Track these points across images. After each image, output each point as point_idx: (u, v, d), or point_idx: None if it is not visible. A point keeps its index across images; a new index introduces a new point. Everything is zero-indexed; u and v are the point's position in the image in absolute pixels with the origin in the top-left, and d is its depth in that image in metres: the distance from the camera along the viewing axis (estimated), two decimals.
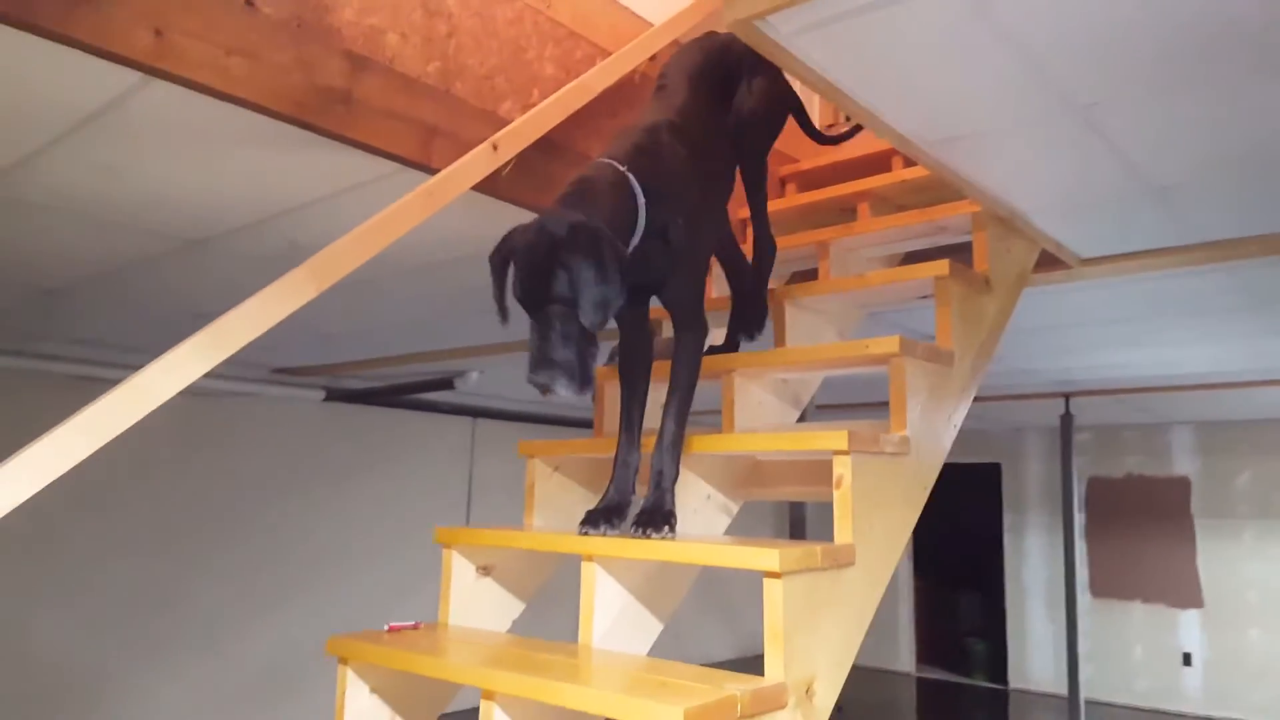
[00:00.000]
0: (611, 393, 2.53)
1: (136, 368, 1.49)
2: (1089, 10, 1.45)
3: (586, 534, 1.92)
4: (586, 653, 1.84)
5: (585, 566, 1.90)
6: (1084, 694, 6.06)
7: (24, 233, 2.58)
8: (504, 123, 2.17)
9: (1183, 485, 7.40)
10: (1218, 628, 7.12)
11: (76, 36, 1.51)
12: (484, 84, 2.19)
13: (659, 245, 1.86)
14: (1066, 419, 6.04)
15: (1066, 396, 5.90)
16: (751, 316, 2.45)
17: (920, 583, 8.72)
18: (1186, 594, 7.27)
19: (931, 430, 2.19)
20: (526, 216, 1.92)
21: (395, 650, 1.89)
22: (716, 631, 8.23)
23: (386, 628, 2.10)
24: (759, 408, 2.40)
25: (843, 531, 1.86)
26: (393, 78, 1.99)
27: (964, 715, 7.73)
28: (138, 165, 2.08)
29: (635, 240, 1.80)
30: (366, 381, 5.69)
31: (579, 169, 1.87)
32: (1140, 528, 7.50)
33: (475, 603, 2.21)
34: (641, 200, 1.81)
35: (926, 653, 8.67)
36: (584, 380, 1.67)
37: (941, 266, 2.28)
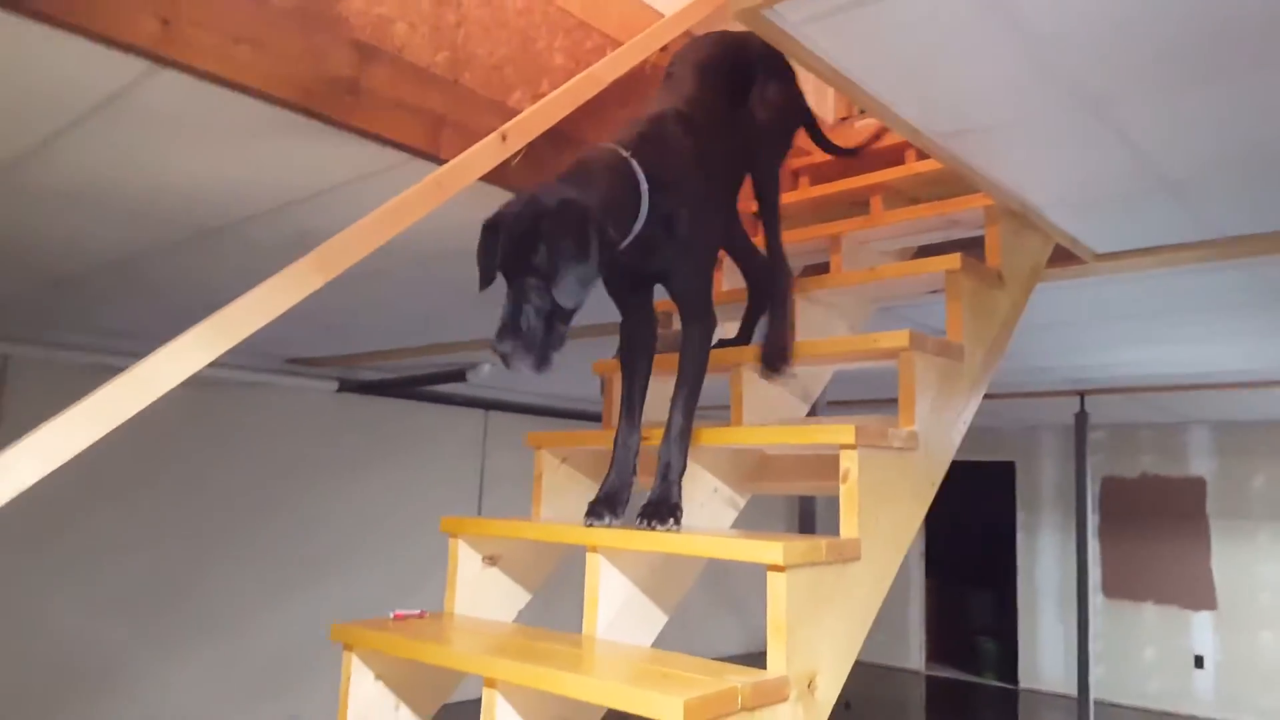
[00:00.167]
0: (619, 384, 2.52)
1: None
2: (1101, 0, 1.43)
3: (591, 525, 1.92)
4: (590, 643, 1.83)
5: (590, 557, 1.90)
6: (1094, 695, 6.02)
7: (36, 221, 2.60)
8: (513, 113, 2.16)
9: (1198, 486, 7.33)
10: (1231, 630, 7.06)
11: (84, 24, 1.52)
12: (493, 74, 2.18)
13: (662, 234, 1.85)
14: (1081, 417, 6.00)
15: (1081, 394, 5.86)
16: (773, 350, 2.27)
17: (931, 580, 8.68)
18: (1200, 596, 7.21)
19: (941, 426, 2.18)
20: None
21: (399, 637, 1.90)
22: (725, 626, 8.23)
23: (392, 615, 2.11)
24: (768, 401, 2.39)
25: (848, 526, 1.85)
26: (401, 67, 1.99)
27: (973, 714, 7.70)
28: (146, 154, 2.08)
29: (637, 227, 1.79)
30: (379, 373, 5.71)
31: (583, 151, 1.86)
32: (1154, 528, 7.45)
33: (481, 592, 2.21)
34: (645, 188, 1.80)
35: (937, 651, 8.64)
36: (542, 359, 1.67)
37: (953, 260, 2.26)
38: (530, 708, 1.72)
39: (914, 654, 8.61)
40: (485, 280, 1.77)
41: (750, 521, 2.31)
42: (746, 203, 2.61)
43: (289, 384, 5.44)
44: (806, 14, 1.52)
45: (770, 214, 2.39)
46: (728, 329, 2.59)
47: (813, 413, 2.59)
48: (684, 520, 1.90)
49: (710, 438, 2.10)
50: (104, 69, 1.65)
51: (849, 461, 1.86)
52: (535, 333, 1.65)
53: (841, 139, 2.96)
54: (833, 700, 1.75)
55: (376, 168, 2.13)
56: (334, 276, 1.70)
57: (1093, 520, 7.44)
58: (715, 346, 2.35)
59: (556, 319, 1.67)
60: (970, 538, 8.72)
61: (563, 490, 2.39)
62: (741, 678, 1.56)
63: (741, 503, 2.34)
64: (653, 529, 1.83)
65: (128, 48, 1.58)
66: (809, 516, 3.64)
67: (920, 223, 2.68)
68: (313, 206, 2.40)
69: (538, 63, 2.29)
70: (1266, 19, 1.44)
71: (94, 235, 2.72)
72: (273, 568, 5.45)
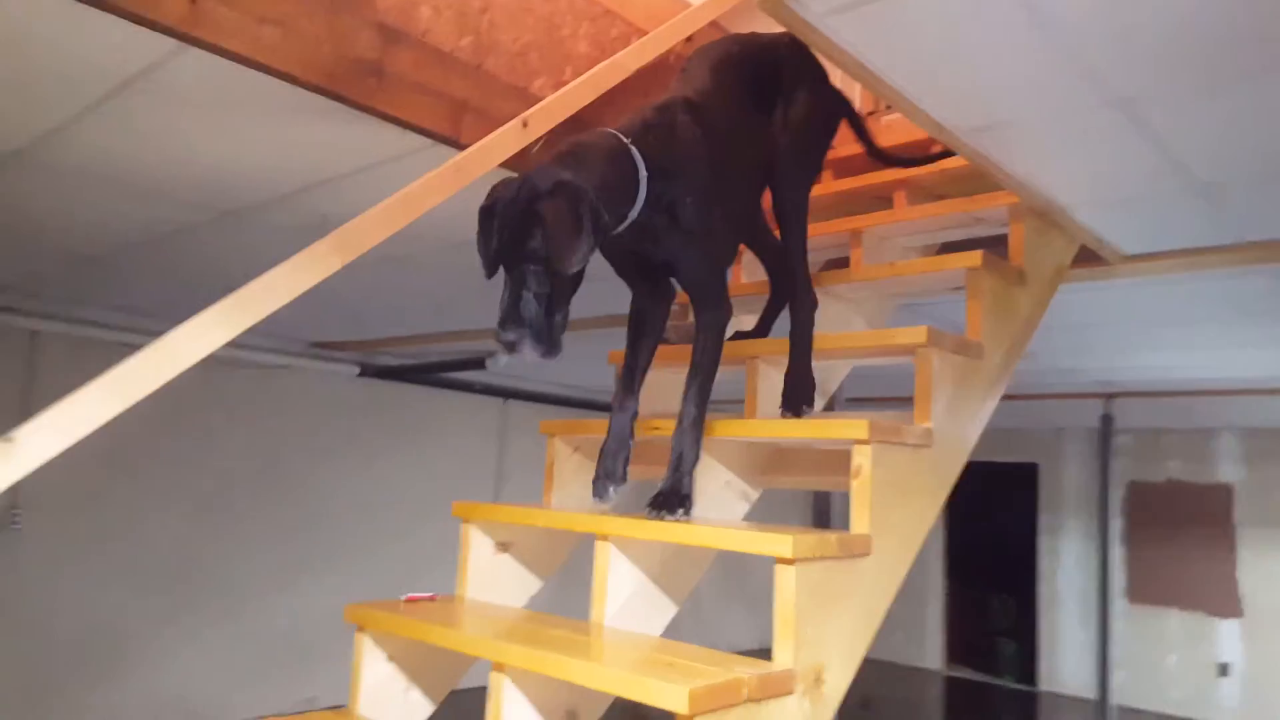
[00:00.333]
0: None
1: None
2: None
3: (597, 501, 1.94)
4: (598, 631, 1.84)
5: (599, 546, 1.90)
6: (1116, 700, 5.96)
7: (63, 199, 2.63)
8: (535, 99, 2.15)
9: (1225, 492, 7.23)
10: (1257, 638, 6.96)
11: (113, 1, 1.53)
12: (517, 60, 2.18)
13: (665, 222, 1.84)
14: (1106, 420, 5.94)
15: (1107, 397, 5.79)
16: (795, 392, 2.15)
17: (952, 582, 8.63)
18: (1225, 603, 7.12)
19: (957, 424, 2.16)
20: None
21: (410, 620, 1.91)
22: (741, 619, 8.22)
23: (404, 598, 2.12)
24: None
25: (859, 521, 1.84)
26: (425, 51, 1.99)
27: (992, 715, 7.65)
28: (171, 134, 2.10)
29: (634, 212, 1.78)
30: (400, 359, 5.74)
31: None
32: (1180, 534, 7.35)
33: (493, 578, 2.22)
34: (644, 174, 1.79)
35: (956, 651, 8.59)
36: (551, 344, 1.66)
37: (974, 257, 2.24)
38: (537, 693, 1.73)
39: (933, 654, 8.57)
40: (489, 267, 1.77)
41: (764, 515, 2.30)
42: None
43: (311, 367, 5.48)
44: (830, 5, 1.51)
45: (794, 240, 2.27)
46: (746, 322, 2.59)
47: (830, 408, 2.58)
48: (695, 512, 1.90)
49: (724, 430, 2.09)
50: (132, 46, 1.67)
51: (862, 457, 1.85)
52: (540, 319, 1.65)
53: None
54: (841, 695, 1.75)
55: (398, 152, 2.14)
56: (353, 259, 1.70)
57: (1117, 525, 7.38)
58: (732, 339, 2.34)
59: (557, 303, 1.67)
60: (992, 539, 8.65)
61: (575, 478, 2.40)
62: (748, 669, 1.56)
63: (754, 496, 2.33)
64: (662, 519, 1.83)
65: (155, 25, 1.59)
66: (824, 512, 3.63)
67: (943, 219, 2.65)
68: (334, 190, 2.41)
69: (562, 49, 2.29)
70: None
71: (119, 214, 2.75)
72: (289, 547, 5.50)
